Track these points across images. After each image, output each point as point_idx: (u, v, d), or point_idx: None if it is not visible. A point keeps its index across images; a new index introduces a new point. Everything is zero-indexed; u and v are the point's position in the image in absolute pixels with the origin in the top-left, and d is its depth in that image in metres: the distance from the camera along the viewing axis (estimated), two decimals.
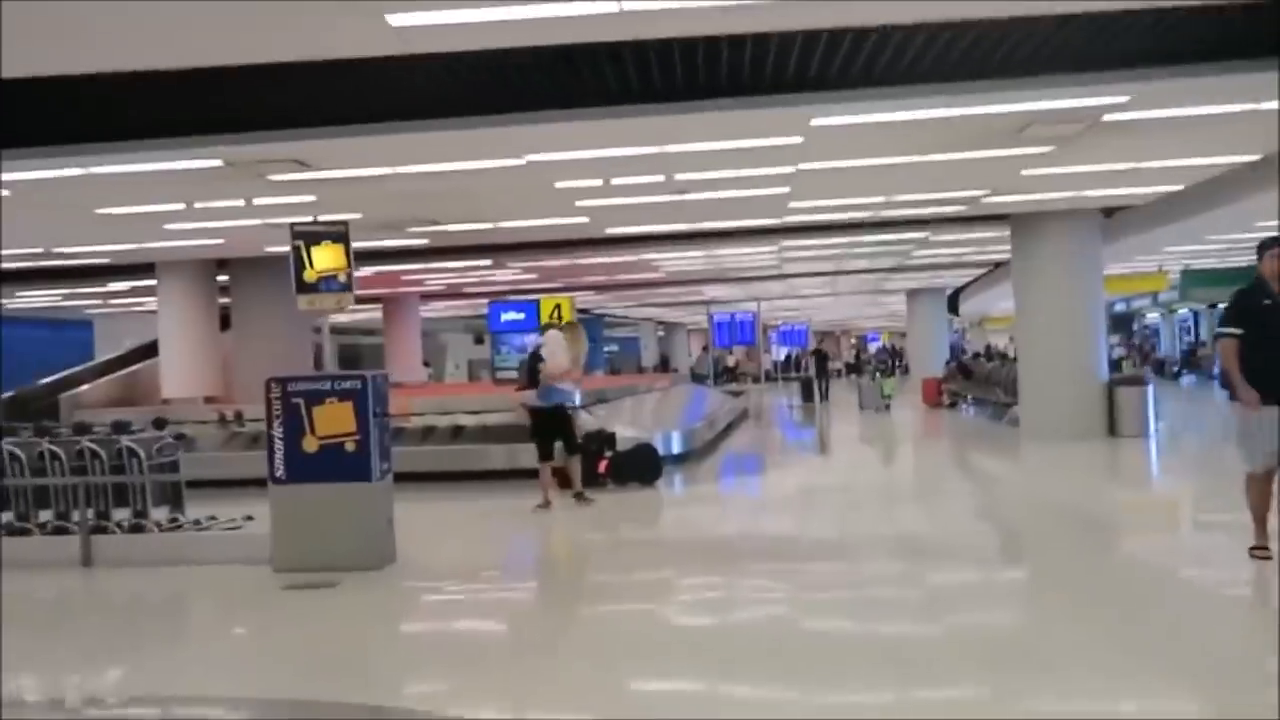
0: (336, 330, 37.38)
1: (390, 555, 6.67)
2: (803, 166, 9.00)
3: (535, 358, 9.18)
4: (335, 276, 6.93)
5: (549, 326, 11.05)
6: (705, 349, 31.64)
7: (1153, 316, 37.42)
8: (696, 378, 27.57)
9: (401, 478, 10.69)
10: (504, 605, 6.13)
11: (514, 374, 17.16)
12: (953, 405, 20.76)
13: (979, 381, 19.42)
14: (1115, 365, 22.27)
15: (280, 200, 9.54)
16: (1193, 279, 21.33)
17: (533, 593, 6.72)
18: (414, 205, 10.43)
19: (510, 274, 18.31)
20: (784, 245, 15.50)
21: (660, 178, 9.30)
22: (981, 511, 8.99)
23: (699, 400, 17.87)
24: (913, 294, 28.75)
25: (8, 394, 14.44)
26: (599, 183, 9.39)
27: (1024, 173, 9.85)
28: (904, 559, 6.54)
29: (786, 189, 10.19)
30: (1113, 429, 12.99)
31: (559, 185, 9.41)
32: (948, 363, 22.55)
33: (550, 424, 9.14)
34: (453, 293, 22.12)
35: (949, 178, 10.16)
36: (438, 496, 10.34)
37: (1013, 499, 9.82)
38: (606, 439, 10.26)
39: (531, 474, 10.71)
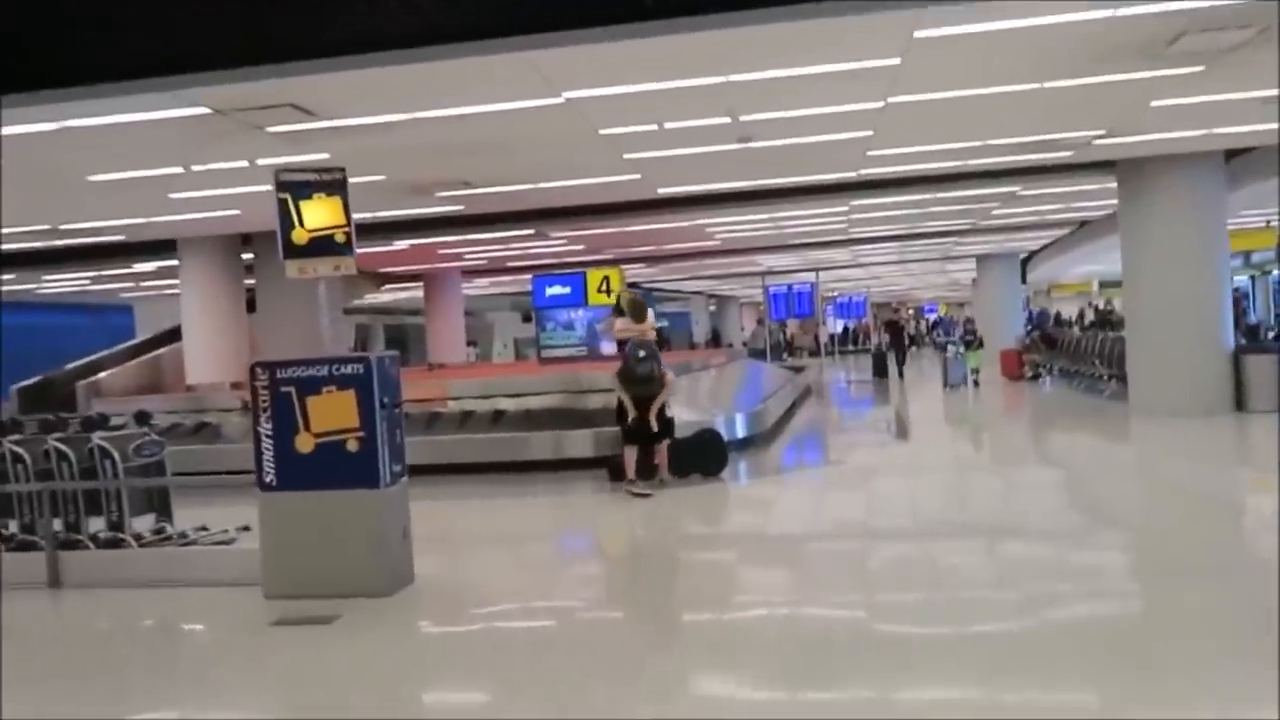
0: (381, 311, 36.69)
1: (406, 576, 5.47)
2: (892, 100, 7.56)
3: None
4: (331, 236, 5.64)
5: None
6: (760, 322, 30.14)
7: (1240, 279, 34.95)
8: (753, 353, 26.13)
9: (433, 470, 9.68)
10: (551, 648, 4.54)
11: (562, 352, 16.10)
12: (1035, 378, 19.11)
13: (1068, 352, 17.73)
14: None
15: (288, 159, 8.35)
16: None
17: (594, 629, 5.01)
18: (442, 163, 9.18)
19: (554, 245, 17.05)
20: (854, 205, 14.00)
21: (723, 120, 7.92)
22: (1119, 507, 7.51)
23: (759, 377, 16.49)
24: (983, 260, 26.90)
25: (25, 382, 13.64)
26: (652, 127, 8.05)
27: (1154, 104, 8.30)
28: (1048, 573, 5.19)
29: (869, 132, 8.75)
30: (1240, 403, 11.37)
31: (604, 132, 8.09)
32: (1029, 331, 20.80)
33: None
34: (495, 267, 20.97)
35: (1060, 115, 8.64)
36: (473, 492, 9.18)
37: (1149, 488, 8.29)
38: (664, 423, 8.97)
39: (579, 465, 9.59)
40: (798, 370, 21.66)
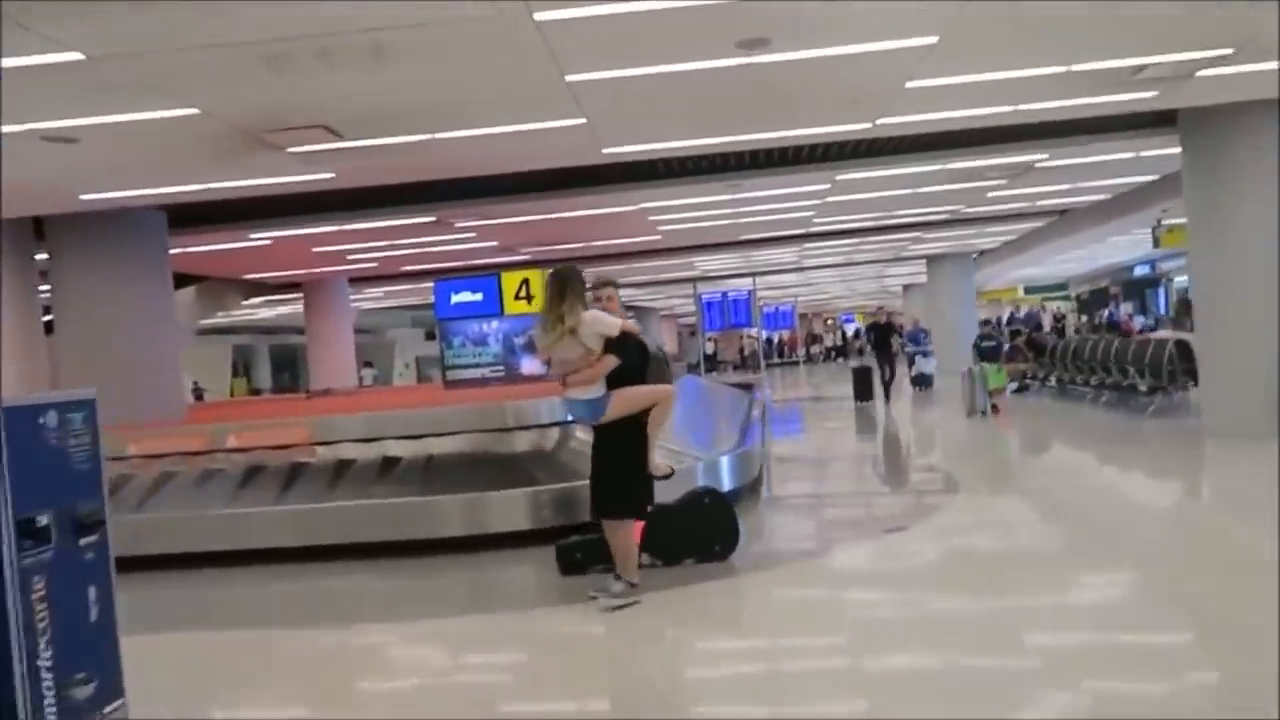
0: (266, 329, 32.56)
1: None
2: None
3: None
4: None
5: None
6: (693, 333, 27.31)
7: (1183, 280, 33.76)
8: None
9: (282, 556, 6.44)
10: None
11: (472, 373, 12.92)
12: (1021, 389, 16.65)
13: (1066, 359, 15.26)
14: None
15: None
16: None
17: None
18: (279, 87, 5.92)
19: (460, 241, 13.79)
20: (838, 180, 11.19)
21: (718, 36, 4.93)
22: None
23: (719, 402, 13.53)
24: (934, 260, 24.65)
25: None
26: (612, 7, 4.98)
27: None
28: None
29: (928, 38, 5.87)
30: None
31: (541, 16, 4.99)
32: (1014, 334, 18.38)
33: (592, 452, 5.33)
34: (389, 272, 17.56)
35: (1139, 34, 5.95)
36: (328, 604, 5.90)
37: None
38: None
39: (507, 542, 6.47)
40: (745, 388, 18.78)
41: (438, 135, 7.26)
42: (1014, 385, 16.81)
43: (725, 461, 7.67)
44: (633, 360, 5.09)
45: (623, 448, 5.03)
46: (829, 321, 53.64)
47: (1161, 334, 13.66)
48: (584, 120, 7.17)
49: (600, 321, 4.93)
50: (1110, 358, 13.17)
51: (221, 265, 14.55)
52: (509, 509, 6.61)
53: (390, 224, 11.53)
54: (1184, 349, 11.82)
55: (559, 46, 5.46)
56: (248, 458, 8.10)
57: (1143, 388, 12.26)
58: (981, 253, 24.73)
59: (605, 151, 8.33)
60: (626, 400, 5.00)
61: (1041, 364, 16.29)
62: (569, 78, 6.05)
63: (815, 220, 14.88)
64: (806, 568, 5.74)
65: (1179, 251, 28.76)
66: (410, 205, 10.57)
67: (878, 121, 8.07)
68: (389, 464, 7.81)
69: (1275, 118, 8.61)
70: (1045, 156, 10.81)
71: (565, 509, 6.47)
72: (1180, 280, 34.02)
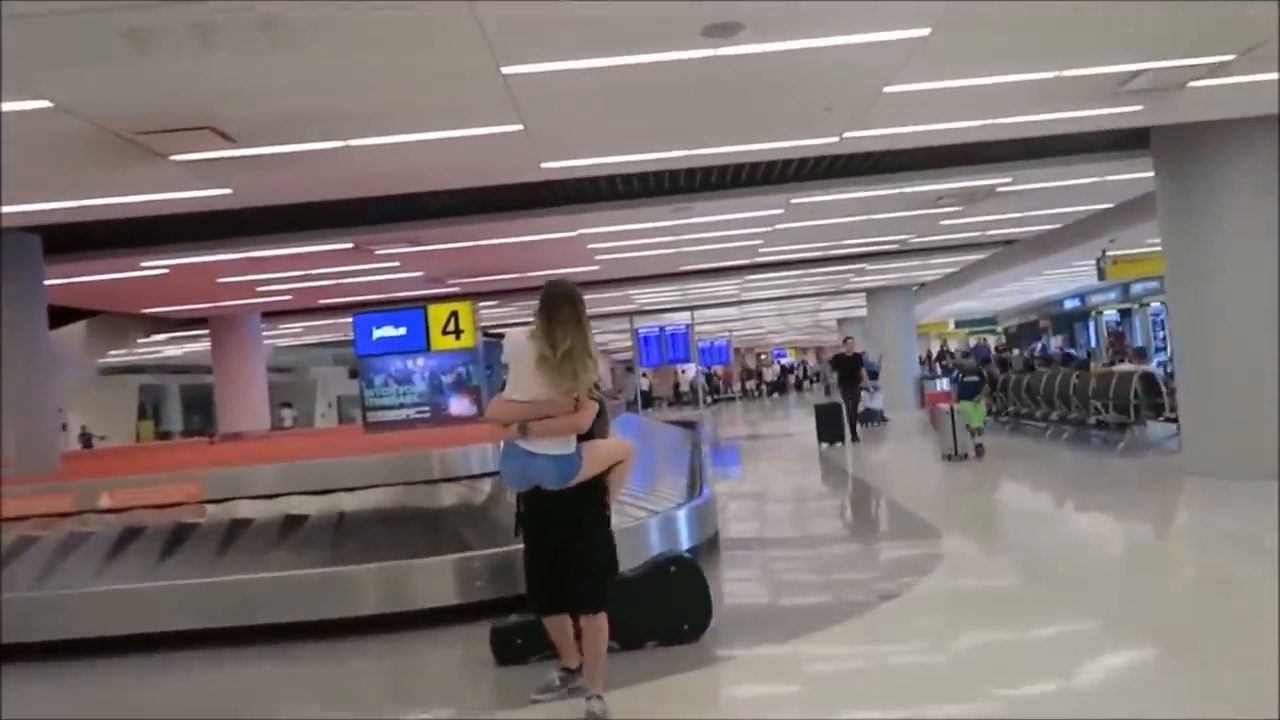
0: (177, 369, 30.67)
1: None
2: None
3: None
4: None
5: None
6: (629, 369, 26.44)
7: (1111, 314, 34.13)
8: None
9: (162, 641, 5.32)
10: None
11: (395, 414, 11.86)
12: None
13: (1021, 393, 14.73)
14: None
15: None
16: None
17: None
18: (150, 73, 4.88)
19: (382, 271, 12.70)
20: (792, 204, 10.46)
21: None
22: None
23: (666, 443, 12.64)
24: (874, 293, 24.26)
25: None
26: None
27: None
28: None
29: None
30: None
31: None
32: (966, 365, 17.83)
33: (539, 528, 4.11)
34: (305, 306, 16.32)
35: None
36: (214, 706, 4.77)
37: None
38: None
39: (431, 619, 5.45)
40: (688, 426, 17.92)
41: (351, 143, 6.26)
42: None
43: (682, 516, 6.74)
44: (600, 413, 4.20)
45: (597, 518, 4.06)
46: (762, 356, 53.39)
47: (1124, 366, 13.10)
48: (521, 127, 6.25)
49: (593, 363, 4.00)
50: (1070, 391, 12.64)
51: (114, 297, 13.20)
52: (434, 581, 5.57)
53: (302, 251, 10.42)
54: (1148, 382, 11.35)
55: (495, 29, 4.55)
56: (123, 519, 6.91)
57: (1108, 422, 11.69)
58: (922, 285, 24.45)
59: (545, 166, 7.42)
60: (597, 457, 4.05)
61: (994, 398, 15.77)
62: (506, 70, 5.13)
63: (762, 250, 14.17)
64: (798, 654, 4.78)
65: (1111, 285, 29.25)
66: (324, 230, 9.49)
67: (845, 135, 7.32)
68: (292, 524, 6.70)
69: (1264, 135, 8.10)
70: (1008, 180, 10.25)
71: (500, 579, 5.46)
72: (1109, 314, 34.41)
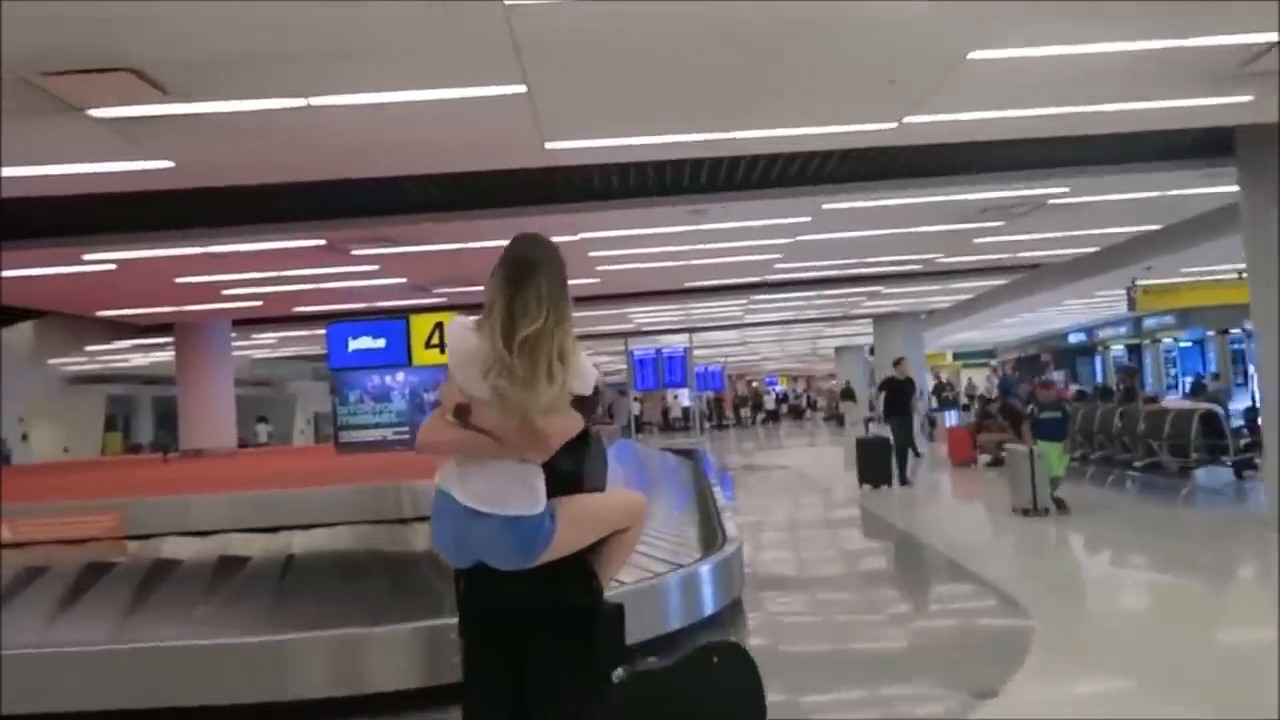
0: (148, 379, 29.26)
1: None
2: None
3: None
4: None
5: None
6: (622, 392, 25.25)
7: (1119, 350, 33.17)
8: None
9: None
10: None
11: (371, 434, 10.73)
12: (995, 463, 14.93)
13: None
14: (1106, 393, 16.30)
15: None
16: None
17: None
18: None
19: (360, 276, 11.50)
20: (824, 209, 9.33)
21: None
22: None
23: (668, 473, 11.43)
24: (881, 320, 23.24)
25: None
26: None
27: None
28: None
29: None
30: None
31: None
32: (987, 403, 16.76)
33: (489, 640, 2.51)
34: (279, 315, 15.10)
35: None
36: None
37: None
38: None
39: (394, 704, 4.21)
40: (685, 454, 16.69)
41: (313, 102, 5.09)
42: (987, 459, 15.13)
43: (705, 572, 5.53)
44: (587, 446, 2.59)
45: (583, 643, 2.49)
46: (753, 384, 52.37)
47: (1181, 403, 11.99)
48: (524, 89, 5.10)
49: (583, 362, 2.50)
50: (1117, 430, 11.50)
51: (61, 296, 11.93)
52: (397, 657, 4.33)
53: (267, 247, 9.21)
54: (1209, 422, 10.23)
55: None
56: (24, 555, 5.67)
57: (1172, 467, 10.55)
58: (930, 313, 23.43)
59: (550, 148, 6.26)
60: (583, 521, 2.51)
61: (1020, 434, 14.61)
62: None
63: (779, 265, 13.03)
64: None
65: (1121, 319, 28.23)
66: (290, 223, 8.30)
67: (906, 119, 6.20)
68: (228, 568, 5.47)
69: None
70: (1064, 190, 9.16)
71: None
72: (1116, 350, 33.45)
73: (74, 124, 5.11)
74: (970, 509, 11.57)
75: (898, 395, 13.27)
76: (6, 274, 9.65)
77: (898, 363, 13.71)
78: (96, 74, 4.48)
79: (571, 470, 2.52)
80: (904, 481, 12.53)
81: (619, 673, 3.15)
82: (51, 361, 17.25)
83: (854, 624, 6.24)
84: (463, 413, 2.41)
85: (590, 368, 2.54)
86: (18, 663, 4.57)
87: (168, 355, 18.26)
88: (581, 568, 2.56)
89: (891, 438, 12.78)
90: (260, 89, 4.89)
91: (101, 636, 4.69)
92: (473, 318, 2.47)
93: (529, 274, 2.41)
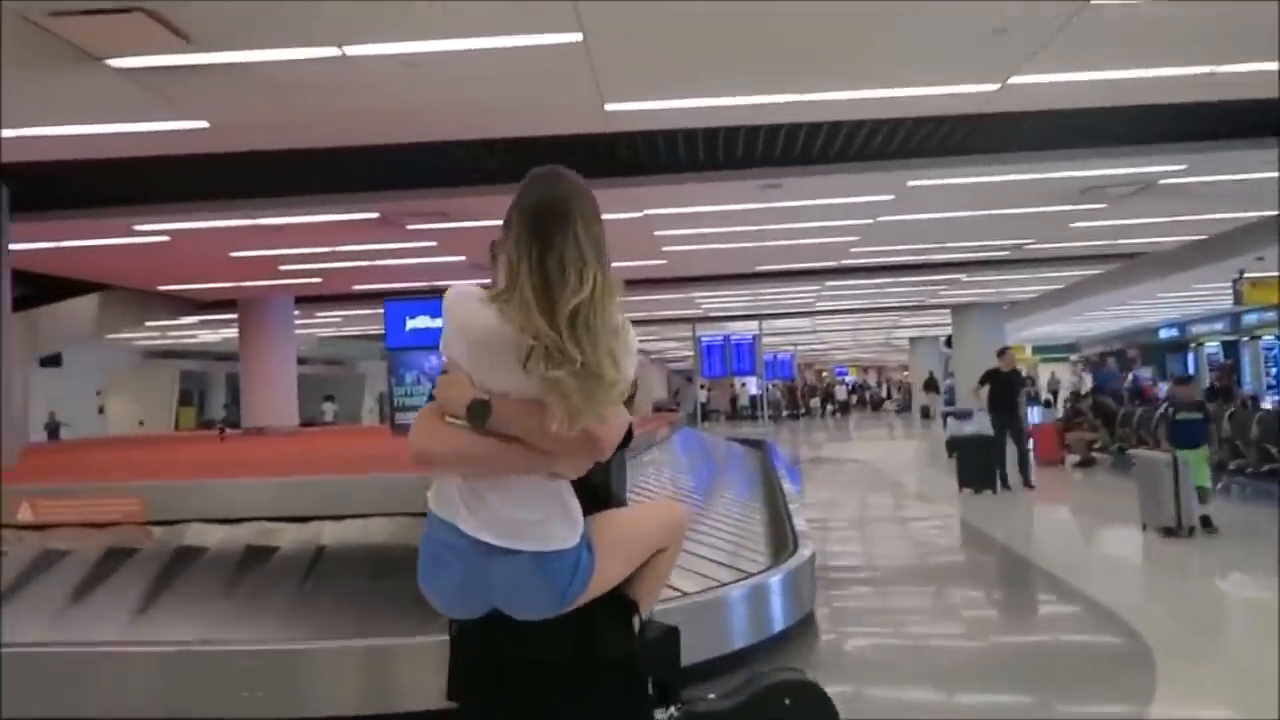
0: (224, 355, 29.66)
1: None
2: None
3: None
4: None
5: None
6: (689, 379, 24.63)
7: (1213, 346, 31.38)
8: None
9: None
10: None
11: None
12: (1085, 464, 14.00)
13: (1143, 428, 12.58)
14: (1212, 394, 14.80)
15: None
16: None
17: None
18: None
19: (416, 252, 11.11)
20: (911, 185, 8.59)
21: None
22: None
23: (734, 465, 10.84)
24: (960, 310, 22.19)
25: None
26: None
27: None
28: None
29: None
30: None
31: None
32: (1078, 399, 15.79)
33: (489, 679, 1.87)
34: (340, 293, 14.87)
35: None
36: None
37: None
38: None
39: None
40: (754, 445, 16.06)
41: (347, 50, 4.60)
42: (1076, 459, 14.20)
43: (775, 584, 4.94)
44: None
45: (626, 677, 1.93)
46: (823, 374, 51.20)
47: None
48: (580, 37, 4.54)
49: (634, 339, 1.85)
50: (1256, 436, 10.47)
51: (118, 270, 11.80)
52: (427, 673, 3.84)
53: (318, 220, 8.83)
54: None
55: None
56: (45, 538, 5.37)
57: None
58: (1013, 304, 22.30)
59: (610, 109, 5.70)
60: (625, 544, 1.91)
61: (1113, 433, 13.67)
62: None
63: (855, 249, 12.28)
64: None
65: (1218, 314, 26.60)
66: (339, 194, 7.89)
67: (1011, 80, 5.48)
68: (254, 559, 5.07)
69: None
70: (1181, 168, 8.28)
71: None
72: (1210, 347, 31.65)
73: (95, 75, 4.72)
74: (1097, 524, 9.86)
75: (1004, 388, 11.76)
76: (63, 244, 9.49)
77: (1002, 353, 12.27)
78: (108, 15, 4.05)
79: (601, 481, 1.94)
80: (1006, 483, 11.17)
81: (671, 712, 2.59)
82: (111, 336, 17.33)
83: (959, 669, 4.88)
84: (482, 412, 1.75)
85: (636, 344, 1.94)
86: (15, 661, 4.22)
87: (232, 331, 18.31)
88: (618, 601, 1.98)
89: (997, 437, 11.41)
90: (287, 35, 4.42)
91: (102, 635, 4.31)
92: (477, 284, 1.89)
93: (561, 222, 1.75)
